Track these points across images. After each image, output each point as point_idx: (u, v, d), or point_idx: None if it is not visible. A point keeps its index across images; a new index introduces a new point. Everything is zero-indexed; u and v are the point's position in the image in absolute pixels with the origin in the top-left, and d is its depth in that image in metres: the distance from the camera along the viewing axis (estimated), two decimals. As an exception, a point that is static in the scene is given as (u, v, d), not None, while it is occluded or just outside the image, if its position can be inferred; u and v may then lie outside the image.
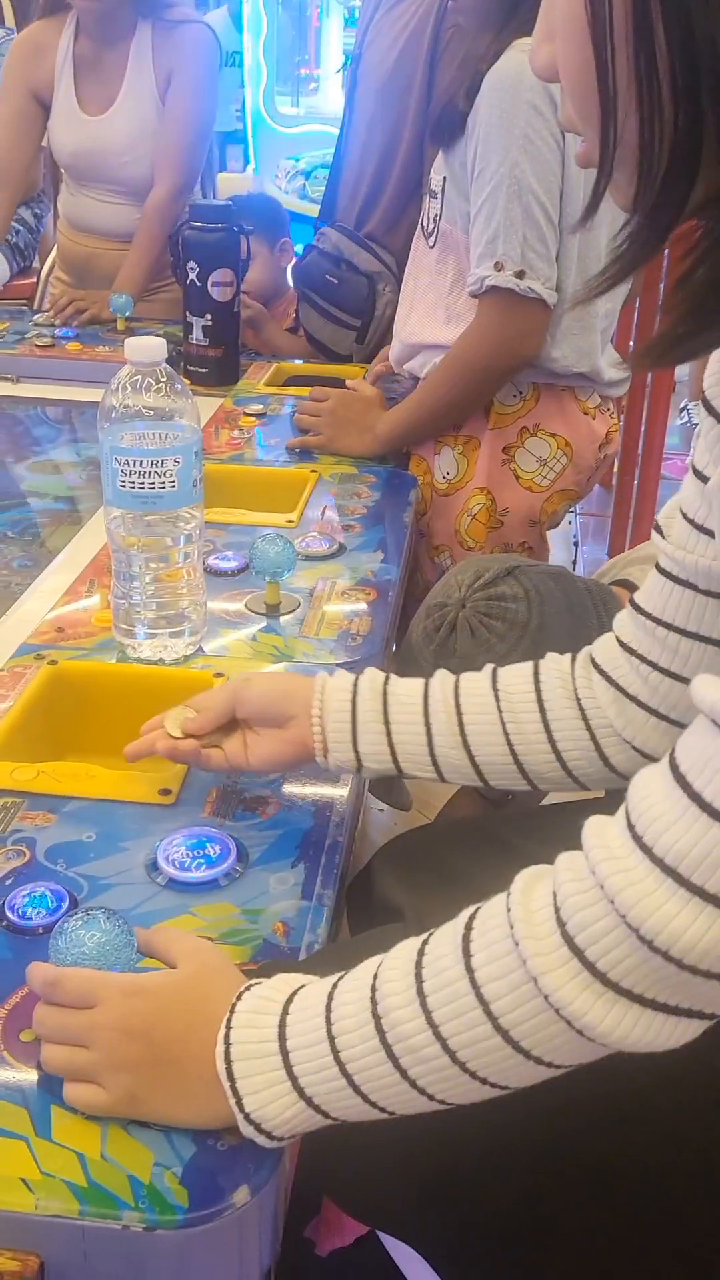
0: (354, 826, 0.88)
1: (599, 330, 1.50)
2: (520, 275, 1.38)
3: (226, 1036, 0.59)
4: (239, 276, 1.82)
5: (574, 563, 2.80)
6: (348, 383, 1.71)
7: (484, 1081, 0.55)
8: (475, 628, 1.19)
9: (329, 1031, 0.57)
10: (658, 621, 0.72)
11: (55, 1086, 0.61)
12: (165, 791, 0.86)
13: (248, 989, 0.61)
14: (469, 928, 0.57)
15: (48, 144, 2.29)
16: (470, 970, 0.55)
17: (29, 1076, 0.62)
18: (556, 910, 0.53)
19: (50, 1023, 0.62)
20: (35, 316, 2.18)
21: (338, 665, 1.03)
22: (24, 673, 0.99)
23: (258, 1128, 0.57)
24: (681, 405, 3.37)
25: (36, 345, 2.01)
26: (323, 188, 2.17)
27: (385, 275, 1.91)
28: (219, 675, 0.99)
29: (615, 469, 2.58)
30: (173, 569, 1.01)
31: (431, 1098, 0.57)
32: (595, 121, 0.55)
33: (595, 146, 0.56)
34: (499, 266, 1.39)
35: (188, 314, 1.83)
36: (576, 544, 2.89)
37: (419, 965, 0.57)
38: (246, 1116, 0.57)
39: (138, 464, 0.95)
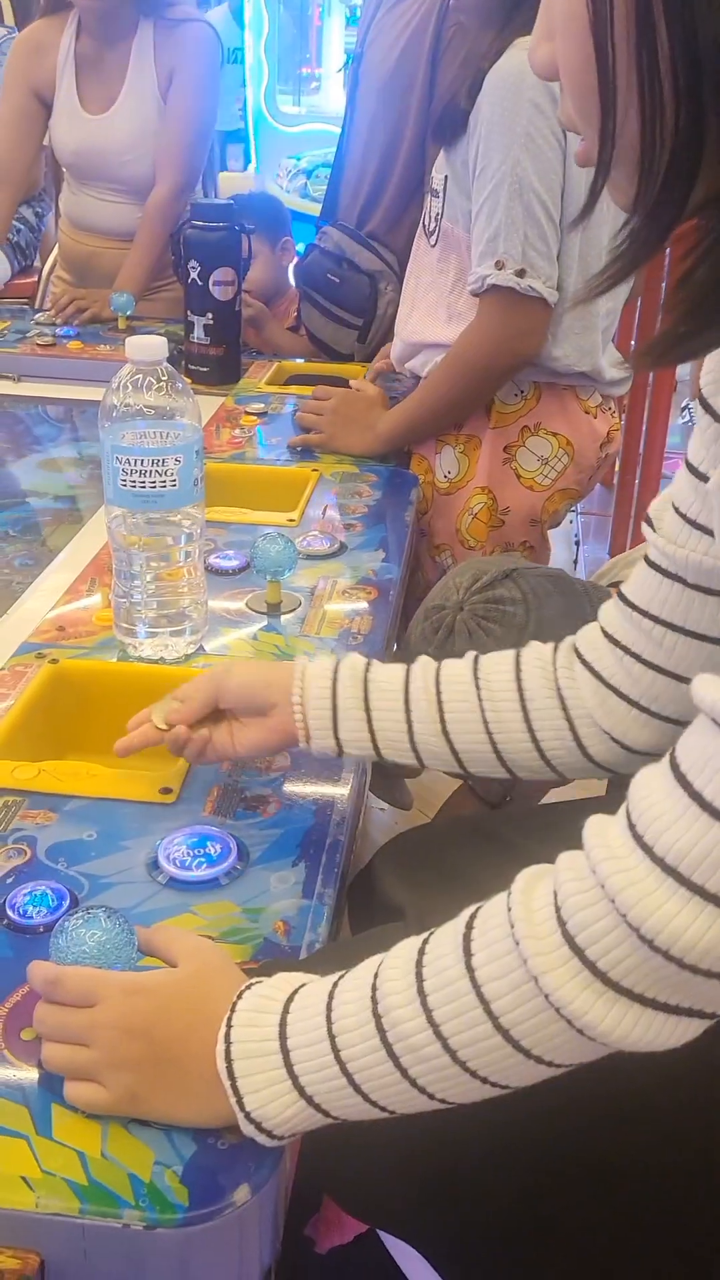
0: (355, 825, 0.88)
1: (600, 329, 1.50)
2: (521, 274, 1.38)
3: (227, 1035, 0.59)
4: (240, 275, 1.81)
5: (575, 562, 2.80)
6: (351, 383, 1.71)
7: (484, 1081, 0.56)
8: (473, 630, 1.19)
9: (329, 1031, 0.57)
10: (644, 614, 0.72)
11: (56, 1085, 0.61)
12: (166, 790, 0.86)
13: (248, 988, 0.61)
14: (470, 927, 0.57)
15: (49, 143, 2.29)
16: (471, 969, 0.55)
17: (30, 1075, 0.62)
18: (557, 910, 0.53)
19: (51, 1021, 0.62)
20: (36, 315, 2.18)
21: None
22: (25, 671, 0.99)
23: (258, 1126, 0.58)
24: (683, 404, 3.36)
25: (38, 344, 2.01)
26: (324, 186, 2.17)
27: (387, 274, 1.91)
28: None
29: (617, 468, 2.58)
30: (174, 568, 1.01)
31: (432, 1097, 0.57)
32: (595, 120, 0.55)
33: (594, 145, 0.56)
34: (500, 265, 1.38)
35: (189, 313, 1.83)
36: (578, 543, 2.89)
37: (419, 964, 0.57)
38: (247, 1115, 0.57)
39: (139, 463, 0.95)
